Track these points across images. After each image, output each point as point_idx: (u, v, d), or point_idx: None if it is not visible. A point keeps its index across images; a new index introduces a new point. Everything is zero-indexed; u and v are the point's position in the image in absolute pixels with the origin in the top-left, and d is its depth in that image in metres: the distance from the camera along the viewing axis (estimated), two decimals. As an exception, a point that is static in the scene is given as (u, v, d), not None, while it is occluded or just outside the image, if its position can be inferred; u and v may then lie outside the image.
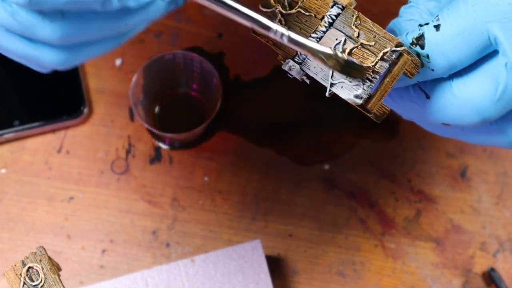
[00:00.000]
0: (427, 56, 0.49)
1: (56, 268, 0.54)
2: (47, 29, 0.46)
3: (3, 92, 0.81)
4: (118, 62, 0.83)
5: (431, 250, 0.78)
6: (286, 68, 0.51)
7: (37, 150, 0.80)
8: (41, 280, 0.53)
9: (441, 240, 0.78)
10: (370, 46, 0.49)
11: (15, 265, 0.53)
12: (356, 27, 0.50)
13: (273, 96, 0.82)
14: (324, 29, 0.51)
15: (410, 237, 0.78)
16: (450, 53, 0.49)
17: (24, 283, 0.53)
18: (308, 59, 0.51)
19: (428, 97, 0.51)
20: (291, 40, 0.48)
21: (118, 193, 0.79)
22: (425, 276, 0.77)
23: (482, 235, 0.78)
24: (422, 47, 0.49)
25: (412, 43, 0.50)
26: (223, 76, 0.82)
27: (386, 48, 0.48)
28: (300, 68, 0.51)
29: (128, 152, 0.80)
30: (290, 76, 0.52)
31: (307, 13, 0.51)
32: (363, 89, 0.48)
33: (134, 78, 0.77)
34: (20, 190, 0.78)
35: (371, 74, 0.48)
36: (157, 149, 0.80)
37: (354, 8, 0.50)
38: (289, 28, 0.50)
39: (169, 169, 0.79)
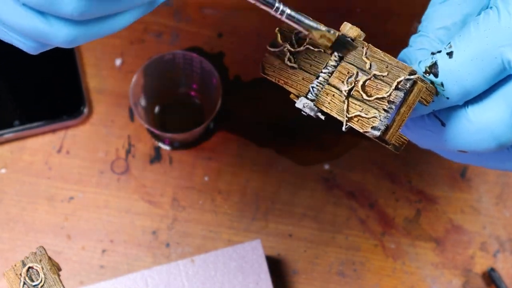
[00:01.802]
0: (442, 84, 0.49)
1: (56, 268, 0.54)
2: (72, 2, 0.44)
3: (3, 92, 0.81)
4: (118, 62, 0.83)
5: (431, 250, 0.78)
6: (300, 105, 0.51)
7: (37, 150, 0.80)
8: (41, 280, 0.53)
9: (441, 240, 0.78)
10: (383, 76, 0.48)
11: (15, 265, 0.53)
12: (367, 58, 0.49)
13: (273, 96, 0.82)
14: (334, 63, 0.50)
15: (410, 237, 0.78)
16: (464, 80, 0.49)
17: (24, 283, 0.53)
18: (321, 95, 0.50)
19: (443, 124, 0.51)
20: (288, 16, 0.48)
21: (118, 193, 0.79)
22: (425, 276, 0.77)
23: (482, 235, 0.78)
24: (436, 75, 0.49)
25: (426, 72, 0.49)
26: (223, 76, 0.82)
27: (399, 77, 0.48)
28: (314, 104, 0.50)
29: (128, 152, 0.80)
30: (304, 113, 0.51)
31: (316, 49, 0.51)
32: (380, 120, 0.48)
33: (134, 78, 0.77)
34: (20, 190, 0.78)
35: (387, 105, 0.48)
36: (157, 149, 0.80)
37: (363, 40, 0.50)
38: (299, 65, 0.50)
39: (169, 169, 0.79)
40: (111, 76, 0.82)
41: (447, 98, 0.49)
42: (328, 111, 0.50)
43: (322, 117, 0.51)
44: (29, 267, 0.53)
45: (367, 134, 0.48)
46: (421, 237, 0.78)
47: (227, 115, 0.81)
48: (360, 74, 0.49)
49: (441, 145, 0.52)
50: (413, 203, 0.79)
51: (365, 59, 0.49)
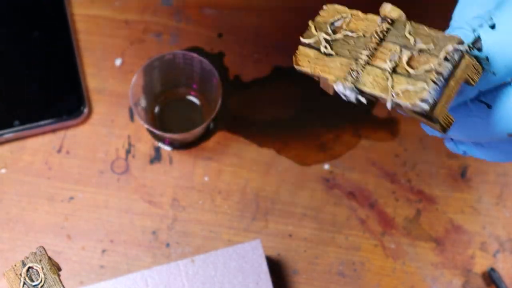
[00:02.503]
0: (487, 59, 0.47)
1: (56, 268, 0.54)
2: None
3: (3, 92, 0.81)
4: (118, 62, 0.83)
5: (431, 250, 0.78)
6: (339, 88, 0.48)
7: (37, 150, 0.80)
8: (41, 280, 0.53)
9: (441, 240, 0.78)
10: (430, 49, 0.46)
11: (15, 265, 0.53)
12: (411, 35, 0.47)
13: (273, 96, 0.82)
14: (375, 45, 0.48)
15: (410, 237, 0.78)
16: (510, 51, 0.47)
17: (24, 283, 0.53)
18: (362, 76, 0.48)
19: (489, 107, 0.49)
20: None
21: (118, 193, 0.79)
22: (425, 276, 0.77)
23: (482, 235, 0.78)
24: (480, 50, 0.47)
25: (469, 48, 0.47)
26: (223, 76, 0.82)
27: (447, 48, 0.46)
28: (355, 87, 0.48)
29: (128, 152, 0.80)
30: (343, 98, 0.49)
31: (354, 35, 0.49)
32: (429, 92, 0.45)
33: (134, 78, 0.77)
34: (20, 190, 0.78)
35: (436, 75, 0.45)
36: (157, 149, 0.80)
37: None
38: (336, 53, 0.48)
39: (169, 169, 0.79)
40: (111, 76, 0.82)
41: (493, 73, 0.47)
42: (371, 90, 0.47)
43: (364, 101, 0.48)
44: (29, 267, 0.53)
45: (415, 108, 0.45)
46: (421, 237, 0.78)
47: (227, 115, 0.81)
48: (404, 51, 0.47)
49: (489, 132, 0.50)
50: (413, 203, 0.79)
51: (408, 35, 0.47)
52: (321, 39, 0.50)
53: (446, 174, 0.80)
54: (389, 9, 0.49)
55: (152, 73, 0.78)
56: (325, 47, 0.50)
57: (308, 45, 0.51)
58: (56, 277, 0.53)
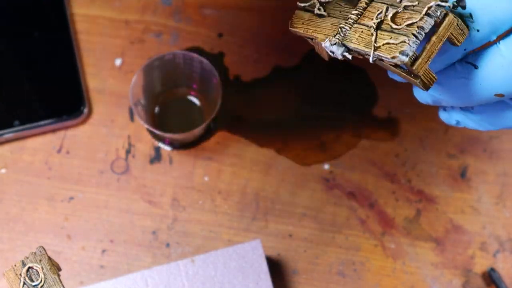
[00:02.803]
0: (470, 16, 0.48)
1: (56, 268, 0.54)
2: None
3: (3, 92, 0.81)
4: (118, 62, 0.83)
5: (431, 250, 0.78)
6: (326, 44, 0.50)
7: (37, 150, 0.80)
8: (41, 280, 0.53)
9: (441, 240, 0.78)
10: (414, 6, 0.47)
11: (15, 265, 0.53)
12: None
13: (273, 96, 0.82)
14: (364, 5, 0.50)
15: (410, 237, 0.78)
16: (494, 7, 0.47)
17: (24, 283, 0.53)
18: (349, 34, 0.49)
19: (476, 67, 0.49)
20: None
21: (118, 193, 0.79)
22: (425, 276, 0.77)
23: (482, 235, 0.78)
24: (464, 7, 0.47)
25: (453, 7, 0.48)
26: (223, 76, 0.82)
27: (430, 3, 0.47)
28: (341, 43, 0.49)
29: (128, 152, 0.80)
30: (331, 54, 0.50)
31: None
32: (409, 44, 0.46)
33: (134, 78, 0.77)
34: (20, 190, 0.78)
35: (416, 29, 0.46)
36: (157, 149, 0.80)
37: None
38: (328, 14, 0.50)
39: (169, 169, 0.79)
40: (111, 76, 0.82)
41: (478, 30, 0.48)
42: (355, 46, 0.48)
43: (349, 57, 0.50)
44: (29, 267, 0.53)
45: (394, 60, 0.46)
46: (421, 237, 0.78)
47: (227, 115, 0.81)
48: (390, 9, 0.48)
49: (477, 93, 0.50)
50: (413, 203, 0.79)
51: None
52: (316, 2, 0.52)
53: (446, 174, 0.80)
54: None
55: (152, 73, 0.78)
56: (319, 9, 0.52)
57: (304, 8, 0.52)
58: (56, 277, 0.53)
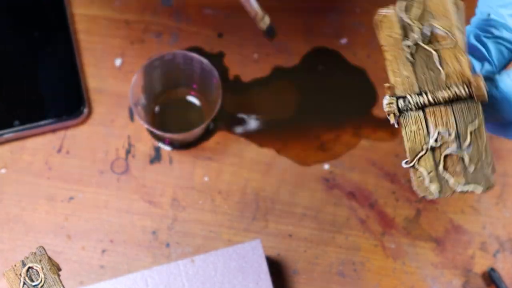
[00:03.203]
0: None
1: (56, 268, 0.54)
2: None
3: (3, 92, 0.81)
4: (118, 62, 0.83)
5: (431, 250, 0.78)
6: (384, 101, 0.47)
7: (37, 150, 0.80)
8: (41, 280, 0.53)
9: (441, 240, 0.78)
10: (472, 170, 0.47)
11: (15, 265, 0.53)
12: (472, 134, 0.46)
13: (273, 96, 0.82)
14: (440, 98, 0.46)
15: (410, 237, 0.78)
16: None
17: (24, 283, 0.53)
18: (409, 116, 0.47)
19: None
20: None
21: (118, 193, 0.79)
22: (425, 276, 0.77)
23: (482, 235, 0.78)
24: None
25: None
26: (223, 76, 0.82)
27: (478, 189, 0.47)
28: (398, 115, 0.47)
29: (128, 152, 0.80)
30: (383, 109, 0.48)
31: (437, 63, 0.46)
32: (432, 194, 0.47)
33: (134, 78, 0.77)
34: (20, 190, 0.78)
35: (452, 190, 0.47)
36: (157, 149, 0.80)
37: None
38: (413, 62, 0.46)
39: (169, 169, 0.79)
40: (111, 76, 0.82)
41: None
42: (404, 136, 0.47)
43: (396, 125, 0.48)
44: (29, 267, 0.53)
45: (419, 193, 0.47)
46: (421, 237, 0.78)
47: (227, 115, 0.81)
48: (454, 141, 0.46)
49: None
50: (413, 203, 0.79)
51: (470, 128, 0.46)
52: (414, 35, 0.45)
53: (446, 174, 0.80)
54: (479, 86, 0.46)
55: (152, 73, 0.78)
56: (409, 47, 0.45)
57: (399, 19, 0.44)
58: (56, 277, 0.53)
